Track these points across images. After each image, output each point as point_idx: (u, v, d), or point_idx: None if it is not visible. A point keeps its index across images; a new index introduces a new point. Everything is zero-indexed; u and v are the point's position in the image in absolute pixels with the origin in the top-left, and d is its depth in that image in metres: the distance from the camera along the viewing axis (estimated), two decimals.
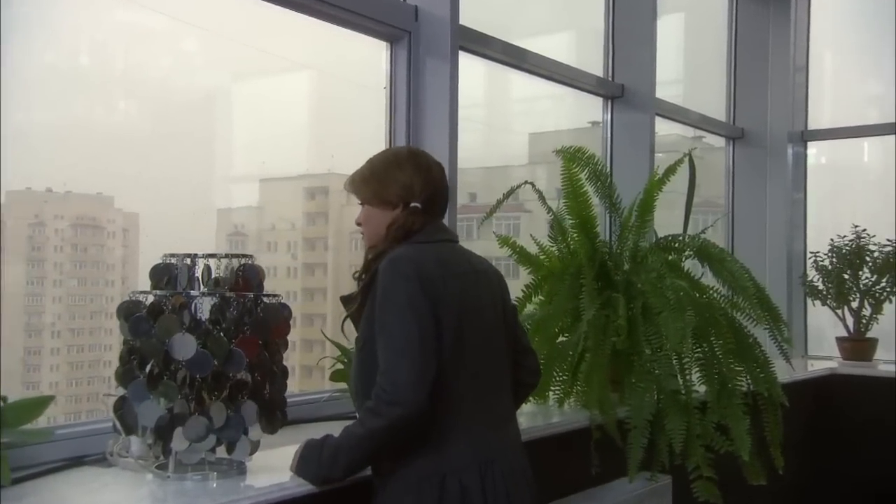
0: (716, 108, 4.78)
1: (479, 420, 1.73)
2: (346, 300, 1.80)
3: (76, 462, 1.79)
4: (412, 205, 1.79)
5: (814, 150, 4.98)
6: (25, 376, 2.24)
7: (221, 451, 1.76)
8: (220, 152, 2.61)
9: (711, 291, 2.78)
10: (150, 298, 1.74)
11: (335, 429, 2.24)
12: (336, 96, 2.88)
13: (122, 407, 1.70)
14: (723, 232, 4.77)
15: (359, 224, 1.86)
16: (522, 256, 2.81)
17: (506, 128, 3.79)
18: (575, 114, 3.91)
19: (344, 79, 2.87)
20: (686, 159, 3.08)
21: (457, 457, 1.67)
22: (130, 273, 2.40)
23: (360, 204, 1.85)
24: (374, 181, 1.82)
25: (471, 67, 3.25)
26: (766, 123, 4.76)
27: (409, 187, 1.80)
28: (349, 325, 1.84)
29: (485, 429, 1.73)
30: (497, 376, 1.80)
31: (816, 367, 4.24)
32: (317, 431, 2.22)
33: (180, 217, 2.39)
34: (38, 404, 1.56)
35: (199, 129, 2.51)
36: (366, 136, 2.80)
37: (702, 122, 4.53)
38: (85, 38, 2.30)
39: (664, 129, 4.35)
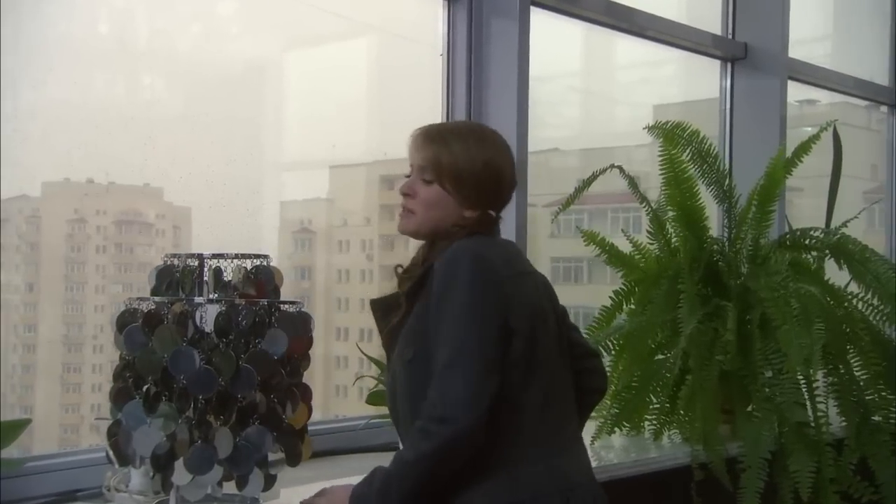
0: (875, 69, 4.54)
1: (553, 441, 1.72)
2: (383, 306, 1.78)
3: (68, 497, 1.86)
4: (489, 212, 1.76)
5: None
6: (65, 397, 2.33)
7: (232, 486, 1.78)
8: (278, 135, 2.67)
9: (854, 300, 2.66)
10: (150, 306, 1.77)
11: (372, 462, 2.28)
12: (407, 65, 2.88)
13: (116, 433, 1.74)
14: (884, 224, 4.54)
15: (408, 195, 1.77)
16: (613, 256, 2.77)
17: (621, 99, 3.72)
18: (708, 80, 3.79)
19: (418, 44, 2.86)
20: (824, 135, 2.94)
21: (535, 482, 1.67)
22: None
23: (428, 180, 1.75)
24: (465, 167, 1.74)
25: (563, 30, 3.22)
26: None
27: (501, 195, 1.77)
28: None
29: (559, 450, 1.72)
30: (566, 390, 1.80)
31: None
32: (351, 465, 2.25)
33: (238, 212, 2.44)
34: (11, 429, 1.63)
35: (249, 108, 2.57)
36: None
37: (855, 87, 4.32)
38: (104, 4, 2.37)
39: (824, 97, 4.19)
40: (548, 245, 3.32)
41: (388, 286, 2.78)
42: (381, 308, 1.80)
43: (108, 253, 2.38)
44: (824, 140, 3.00)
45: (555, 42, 3.29)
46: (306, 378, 1.86)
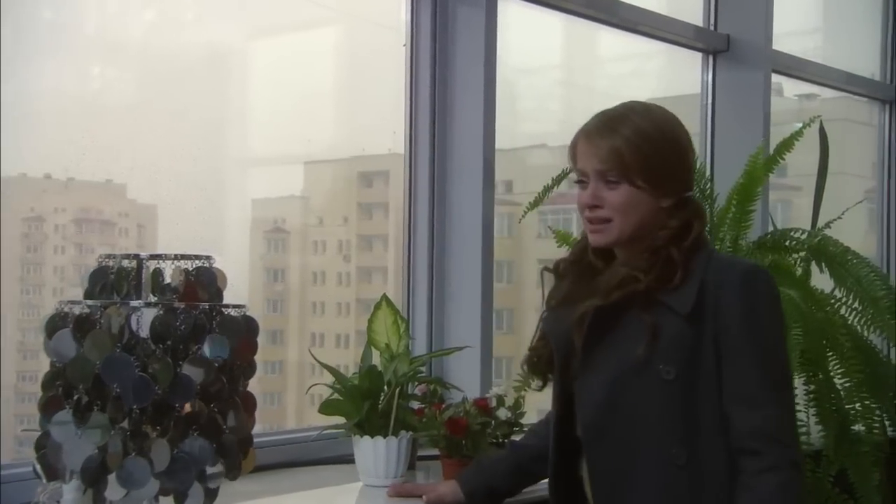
0: (874, 64, 4.56)
1: None
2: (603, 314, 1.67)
3: None
4: (688, 195, 1.71)
5: None
6: (19, 408, 2.30)
7: (169, 502, 1.76)
8: (248, 129, 2.64)
9: (836, 304, 2.66)
10: (83, 309, 1.75)
11: (325, 475, 2.27)
12: (385, 54, 2.84)
13: (45, 445, 1.72)
14: (875, 225, 4.55)
15: (596, 206, 1.68)
16: None
17: (612, 94, 3.70)
18: (689, 74, 3.78)
19: (397, 32, 2.82)
20: (805, 131, 2.93)
21: None
22: None
23: (614, 181, 1.66)
24: (648, 152, 1.65)
25: (545, 21, 3.20)
26: None
27: (691, 171, 1.72)
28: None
29: None
30: None
31: None
32: (302, 479, 2.23)
33: (206, 210, 2.43)
34: None
35: (215, 100, 2.55)
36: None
37: (845, 82, 4.33)
38: None
39: (824, 92, 4.20)
40: (535, 246, 3.30)
41: (367, 289, 2.79)
42: (602, 315, 1.69)
43: (67, 254, 2.35)
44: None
45: (539, 33, 3.29)
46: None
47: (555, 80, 3.59)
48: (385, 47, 2.82)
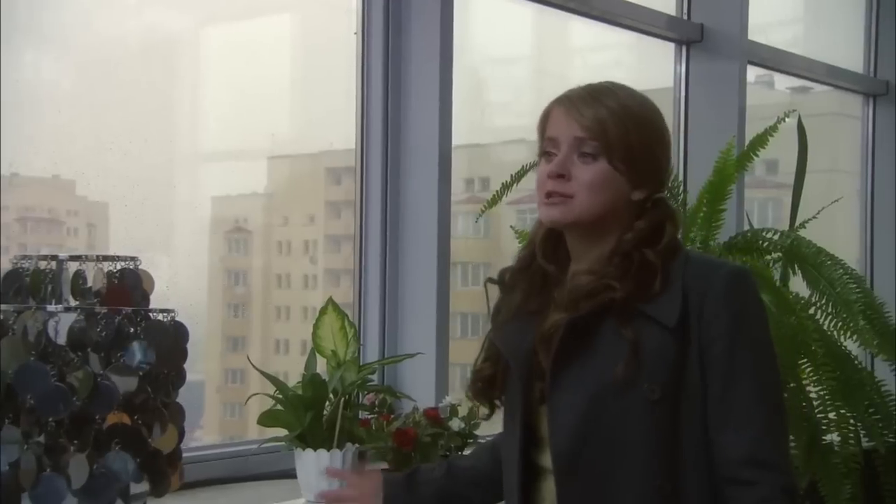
0: (850, 56, 4.57)
1: None
2: (576, 327, 1.56)
3: None
4: (658, 196, 1.61)
5: None
6: None
7: None
8: (208, 122, 2.61)
9: (809, 308, 2.65)
10: None
11: (266, 491, 2.23)
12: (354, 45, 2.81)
13: None
14: (858, 223, 4.57)
15: (562, 176, 1.55)
16: None
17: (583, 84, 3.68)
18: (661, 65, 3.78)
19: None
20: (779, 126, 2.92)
21: None
22: None
23: (590, 153, 1.55)
24: (634, 134, 1.56)
25: (516, 11, 3.19)
26: None
27: (668, 168, 1.64)
28: None
29: None
30: None
31: None
32: (241, 495, 2.20)
33: (163, 208, 2.41)
34: None
35: (172, 92, 2.52)
36: None
37: (826, 74, 4.33)
38: None
39: (818, 86, 4.22)
40: (512, 247, 3.27)
41: (335, 292, 2.75)
42: (573, 329, 1.56)
43: (10, 255, 2.29)
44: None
45: (507, 23, 3.27)
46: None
47: (525, 72, 3.57)
48: (350, 34, 2.79)
